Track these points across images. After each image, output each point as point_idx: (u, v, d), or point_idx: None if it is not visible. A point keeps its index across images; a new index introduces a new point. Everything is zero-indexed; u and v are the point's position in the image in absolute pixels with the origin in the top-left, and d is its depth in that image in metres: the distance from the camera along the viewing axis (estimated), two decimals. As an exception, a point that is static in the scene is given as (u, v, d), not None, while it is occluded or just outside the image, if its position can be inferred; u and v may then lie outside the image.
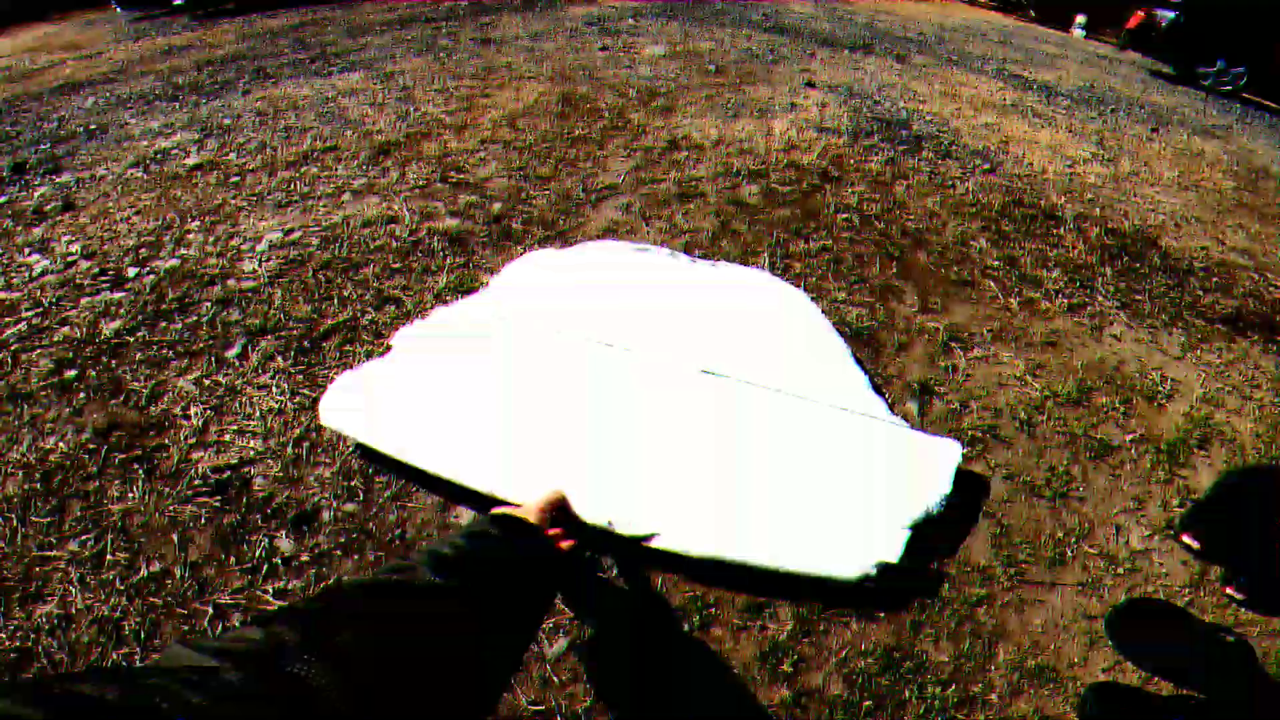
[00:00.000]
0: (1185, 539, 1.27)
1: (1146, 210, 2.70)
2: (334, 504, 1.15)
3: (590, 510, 1.01)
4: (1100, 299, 1.97)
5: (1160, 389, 1.63)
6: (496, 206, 2.07)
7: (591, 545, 1.05)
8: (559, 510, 0.91)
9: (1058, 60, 6.53)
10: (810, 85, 3.69)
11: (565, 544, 0.93)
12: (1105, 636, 1.10)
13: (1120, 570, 1.20)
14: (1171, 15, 6.82)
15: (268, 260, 1.74)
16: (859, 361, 1.44)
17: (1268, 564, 1.14)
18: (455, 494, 1.16)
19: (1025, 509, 1.28)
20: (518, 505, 0.85)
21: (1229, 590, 1.19)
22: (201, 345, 1.46)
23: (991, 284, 1.95)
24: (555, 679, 0.96)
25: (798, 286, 1.72)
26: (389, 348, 1.34)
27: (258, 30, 4.63)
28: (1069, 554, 1.21)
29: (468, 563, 0.59)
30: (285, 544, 1.09)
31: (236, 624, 0.99)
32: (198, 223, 1.90)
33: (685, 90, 3.37)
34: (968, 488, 1.28)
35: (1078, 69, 6.20)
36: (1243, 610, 1.16)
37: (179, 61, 3.82)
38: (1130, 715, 0.97)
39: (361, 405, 1.17)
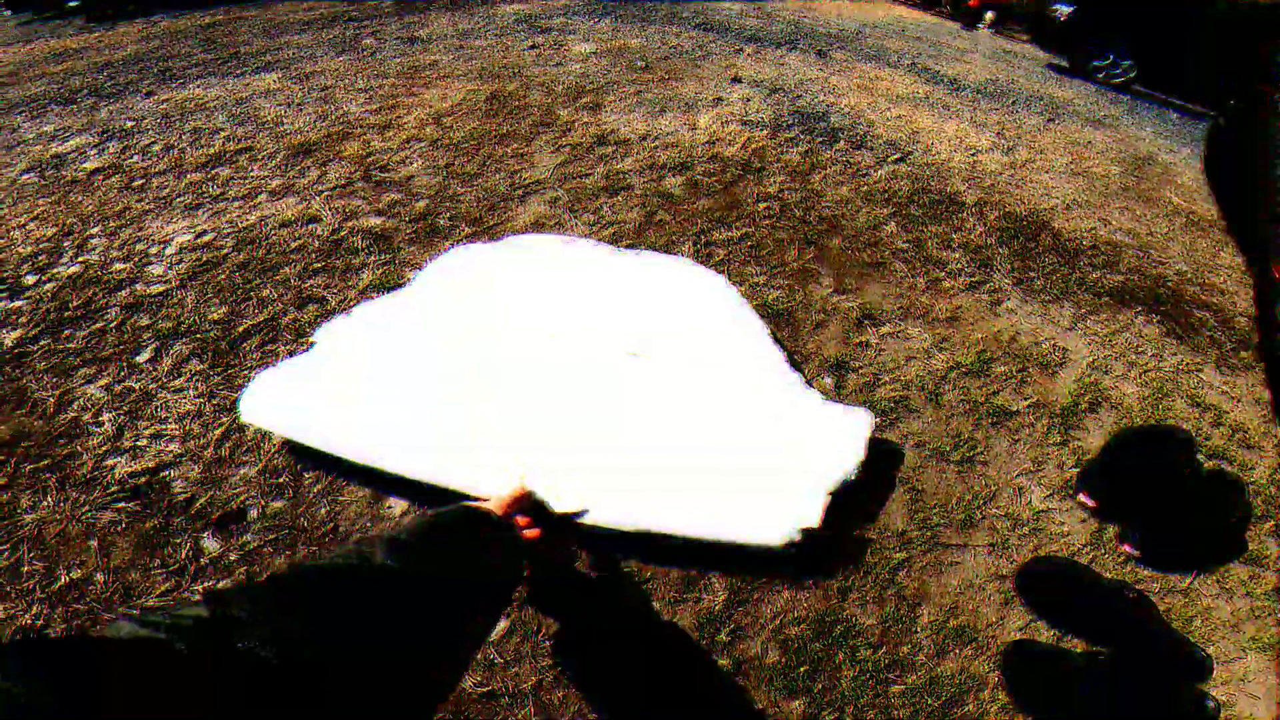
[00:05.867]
0: (1081, 499, 1.34)
1: (1040, 195, 2.89)
2: (261, 502, 1.14)
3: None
4: (997, 277, 2.11)
5: (1053, 358, 1.75)
6: (422, 204, 2.06)
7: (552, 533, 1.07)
8: (525, 503, 0.93)
9: (966, 55, 6.88)
10: (736, 81, 3.78)
11: (531, 533, 0.96)
12: (1017, 596, 1.16)
13: (1024, 530, 1.27)
14: (1068, 9, 7.27)
15: (178, 263, 1.68)
16: (778, 340, 1.50)
17: (1158, 522, 1.21)
18: (387, 486, 1.16)
19: (935, 474, 1.35)
20: (484, 499, 0.86)
21: (1125, 548, 1.26)
22: (109, 351, 1.40)
23: (900, 265, 2.07)
24: (499, 660, 0.97)
25: (720, 272, 1.78)
26: (312, 344, 1.33)
27: (161, 31, 4.37)
28: (978, 516, 1.28)
29: (428, 549, 0.59)
30: (211, 544, 1.07)
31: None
32: (100, 227, 1.81)
33: (614, 86, 3.40)
34: (883, 457, 1.34)
35: (983, 63, 6.55)
36: (1140, 567, 1.24)
37: (75, 64, 3.58)
38: (1049, 674, 1.02)
39: (286, 401, 1.15)
